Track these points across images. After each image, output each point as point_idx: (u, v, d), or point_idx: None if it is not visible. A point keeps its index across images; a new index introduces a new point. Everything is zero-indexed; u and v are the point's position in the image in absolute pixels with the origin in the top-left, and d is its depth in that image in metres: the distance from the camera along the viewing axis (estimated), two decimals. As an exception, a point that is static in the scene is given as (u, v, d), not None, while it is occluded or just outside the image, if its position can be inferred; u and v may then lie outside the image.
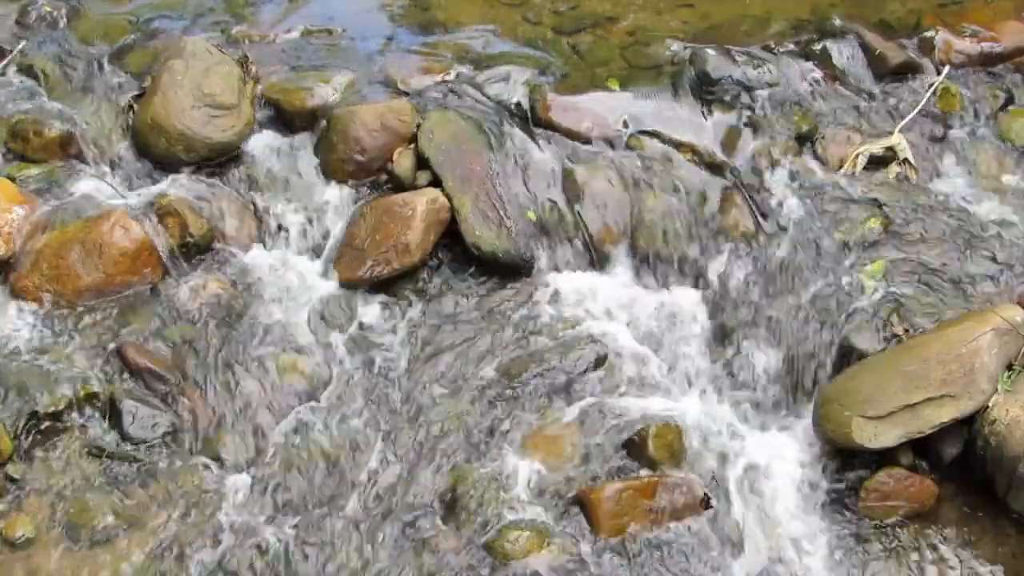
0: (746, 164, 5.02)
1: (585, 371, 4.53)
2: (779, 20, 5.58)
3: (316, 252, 4.79)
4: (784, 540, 4.22)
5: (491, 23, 5.57)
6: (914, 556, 4.17)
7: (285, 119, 5.00)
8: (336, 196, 4.85)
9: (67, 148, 4.82)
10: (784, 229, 4.86)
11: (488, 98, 5.08)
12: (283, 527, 4.12)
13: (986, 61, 5.38)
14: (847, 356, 4.51)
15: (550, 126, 5.01)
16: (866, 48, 5.34)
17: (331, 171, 4.88)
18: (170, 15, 5.54)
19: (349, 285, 4.68)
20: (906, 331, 4.50)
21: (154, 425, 4.26)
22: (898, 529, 4.23)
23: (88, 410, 4.25)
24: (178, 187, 4.77)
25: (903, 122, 5.13)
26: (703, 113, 5.12)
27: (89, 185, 4.75)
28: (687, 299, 4.76)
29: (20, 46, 5.17)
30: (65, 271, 4.49)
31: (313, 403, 4.41)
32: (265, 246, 4.79)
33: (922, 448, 4.26)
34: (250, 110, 4.92)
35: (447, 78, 5.16)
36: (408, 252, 4.65)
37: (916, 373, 4.20)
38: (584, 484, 4.24)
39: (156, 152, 4.84)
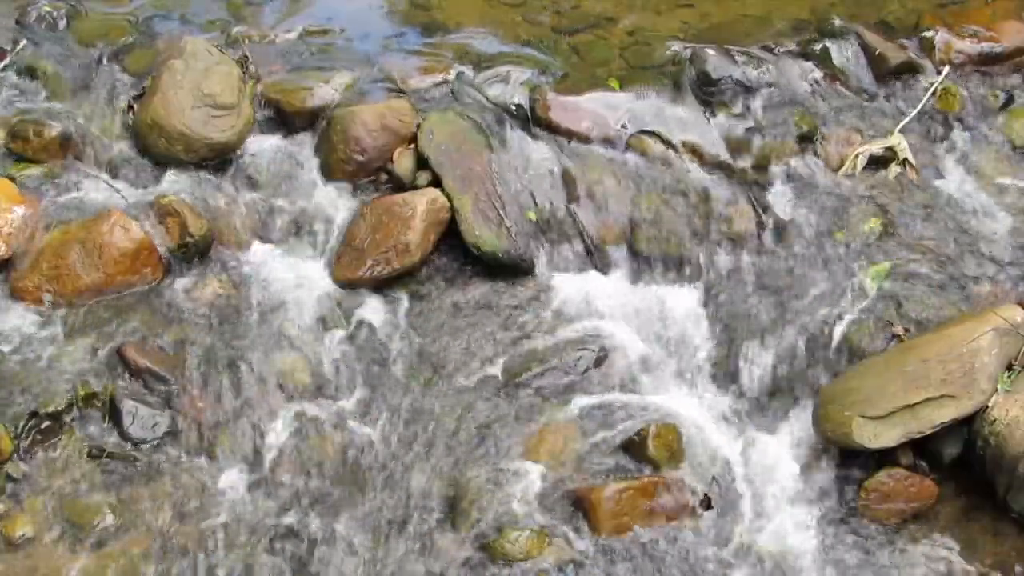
0: (746, 164, 5.02)
1: (585, 371, 4.53)
2: (779, 20, 5.58)
3: (316, 252, 4.79)
4: (784, 540, 4.22)
5: (491, 23, 5.57)
6: (914, 556, 4.17)
7: (285, 119, 4.99)
8: (336, 196, 4.85)
9: (67, 148, 4.82)
10: (784, 229, 4.87)
11: (488, 98, 5.07)
12: (283, 528, 4.12)
13: (986, 61, 5.38)
14: (847, 356, 4.52)
15: (550, 126, 5.01)
16: (866, 48, 5.33)
17: (331, 171, 4.88)
18: (170, 15, 5.53)
19: (349, 285, 4.68)
20: (906, 331, 4.51)
21: (154, 425, 4.26)
22: (898, 529, 4.23)
23: (88, 410, 4.25)
24: (178, 187, 4.77)
25: (903, 122, 5.13)
26: (703, 113, 5.12)
27: (89, 185, 4.75)
28: (687, 299, 4.76)
29: (20, 46, 5.17)
30: (65, 271, 4.49)
31: (313, 403, 4.41)
32: (265, 246, 4.79)
33: (922, 448, 4.26)
34: (250, 110, 4.91)
35: (447, 78, 5.16)
36: (408, 252, 4.65)
37: (916, 373, 4.20)
38: (584, 484, 4.24)
39: (156, 152, 4.84)
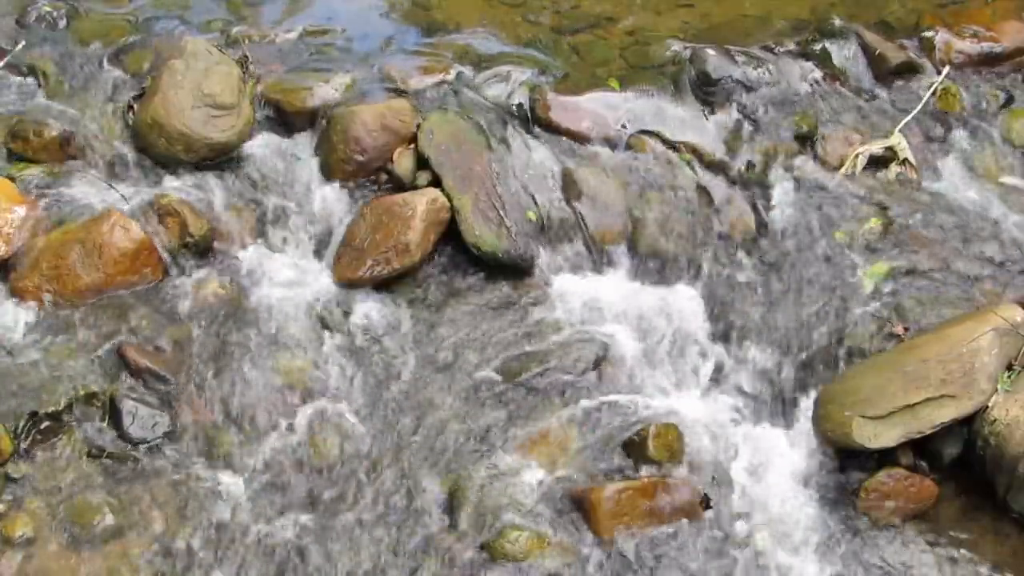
0: (746, 164, 5.03)
1: (585, 371, 4.53)
2: (779, 20, 5.58)
3: (316, 252, 4.79)
4: (784, 540, 4.22)
5: (491, 23, 5.57)
6: (914, 556, 4.17)
7: (285, 119, 4.99)
8: (336, 196, 4.85)
9: (67, 148, 4.82)
10: (784, 229, 4.87)
11: (488, 98, 5.08)
12: (283, 527, 4.13)
13: (986, 61, 5.38)
14: (847, 356, 4.52)
15: (550, 126, 5.01)
16: (866, 48, 5.34)
17: (331, 171, 4.88)
18: (170, 15, 5.53)
19: (349, 285, 4.68)
20: (906, 331, 4.51)
21: (154, 425, 4.26)
22: (898, 529, 4.23)
23: (88, 410, 4.25)
24: (178, 187, 4.77)
25: (903, 122, 5.14)
26: (703, 113, 5.13)
27: (89, 185, 4.75)
28: (687, 299, 4.76)
29: (19, 46, 5.17)
30: (65, 271, 4.49)
31: (313, 403, 4.41)
32: (265, 246, 4.79)
33: (922, 448, 4.26)
34: (250, 110, 4.91)
35: (447, 78, 5.16)
36: (408, 252, 4.65)
37: (916, 373, 4.20)
38: (584, 484, 4.24)
39: (156, 152, 4.84)
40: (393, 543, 4.12)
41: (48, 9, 5.41)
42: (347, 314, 4.62)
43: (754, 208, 4.92)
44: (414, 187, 4.79)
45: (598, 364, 4.55)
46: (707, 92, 5.15)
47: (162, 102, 4.80)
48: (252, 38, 5.33)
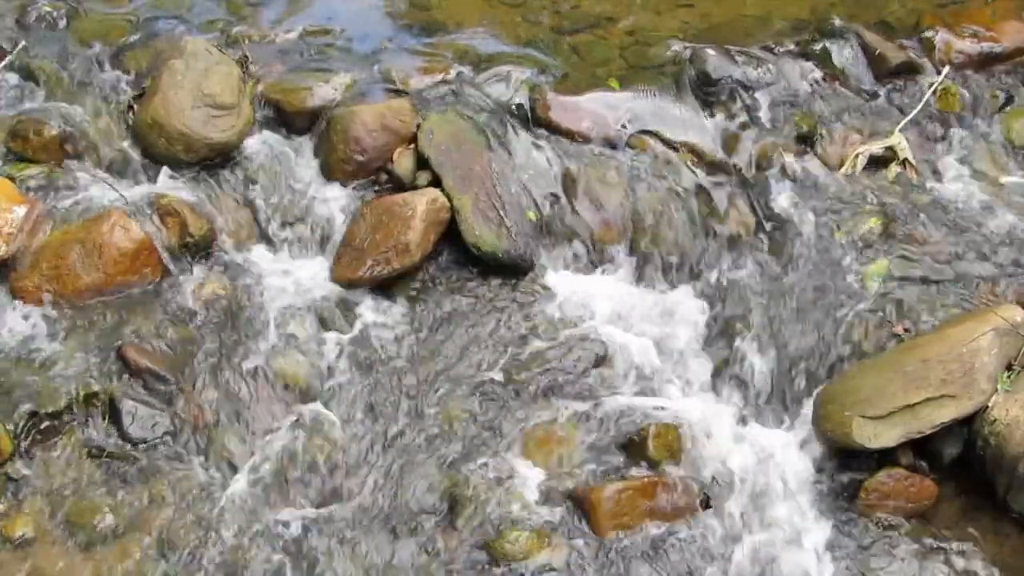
0: (746, 164, 5.03)
1: (585, 371, 4.53)
2: (779, 20, 5.58)
3: (316, 252, 4.79)
4: (783, 540, 4.22)
5: (491, 23, 5.57)
6: (914, 556, 4.18)
7: (285, 119, 4.99)
8: (336, 196, 4.85)
9: (67, 148, 4.82)
10: (784, 229, 4.86)
11: (488, 98, 5.07)
12: (282, 528, 4.12)
13: (986, 61, 5.38)
14: (847, 356, 4.52)
15: (550, 126, 5.01)
16: (866, 48, 5.33)
17: (331, 171, 4.88)
18: (170, 15, 5.53)
19: (349, 285, 4.68)
20: (906, 331, 4.51)
21: (154, 425, 4.26)
22: (898, 529, 4.23)
23: (88, 410, 4.25)
24: (178, 187, 4.77)
25: (903, 122, 5.14)
26: (703, 113, 5.13)
27: (89, 185, 4.75)
28: (687, 299, 4.76)
29: (19, 46, 5.17)
30: (65, 271, 4.48)
31: (313, 403, 4.41)
32: (265, 246, 4.79)
33: (922, 448, 4.26)
34: (250, 110, 4.91)
35: (447, 78, 5.16)
36: (408, 252, 4.65)
37: (916, 373, 4.20)
38: (584, 484, 4.24)
39: (156, 152, 4.84)
40: (393, 543, 4.12)
41: (48, 9, 5.41)
42: (347, 314, 4.62)
43: (754, 208, 4.92)
44: (414, 187, 4.79)
45: (598, 364, 4.55)
46: (707, 92, 5.15)
47: (162, 102, 4.80)
48: (252, 38, 5.33)
